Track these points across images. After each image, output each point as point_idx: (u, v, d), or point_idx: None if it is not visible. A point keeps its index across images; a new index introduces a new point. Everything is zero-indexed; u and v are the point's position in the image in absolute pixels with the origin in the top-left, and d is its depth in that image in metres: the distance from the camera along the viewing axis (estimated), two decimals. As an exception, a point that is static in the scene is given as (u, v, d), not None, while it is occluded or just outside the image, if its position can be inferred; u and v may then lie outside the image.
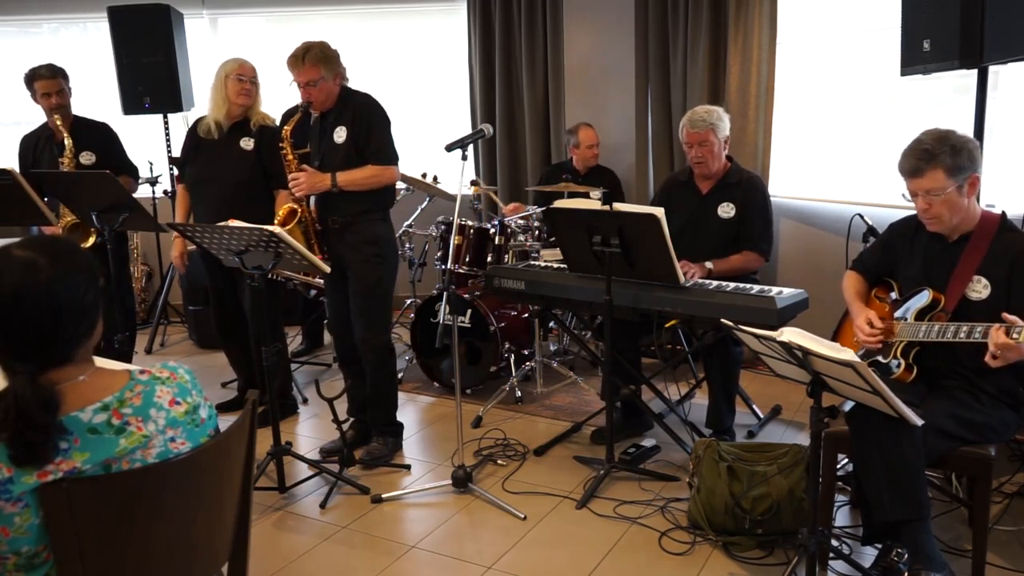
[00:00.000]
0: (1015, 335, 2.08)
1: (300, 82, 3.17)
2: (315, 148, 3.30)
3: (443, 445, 3.61)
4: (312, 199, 3.34)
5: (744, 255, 3.52)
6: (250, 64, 3.70)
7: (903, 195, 2.46)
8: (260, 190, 3.67)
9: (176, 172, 5.52)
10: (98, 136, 4.15)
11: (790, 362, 2.15)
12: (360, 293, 3.31)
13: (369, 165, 3.23)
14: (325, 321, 4.63)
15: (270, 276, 3.36)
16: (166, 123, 5.54)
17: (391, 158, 3.29)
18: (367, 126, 3.22)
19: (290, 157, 3.25)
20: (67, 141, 3.98)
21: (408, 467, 3.39)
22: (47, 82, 3.97)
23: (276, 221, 3.37)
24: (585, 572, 2.58)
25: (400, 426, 3.59)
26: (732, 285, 3.10)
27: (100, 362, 1.46)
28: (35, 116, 4.16)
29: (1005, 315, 2.12)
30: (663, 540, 2.74)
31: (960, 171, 2.32)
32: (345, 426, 3.30)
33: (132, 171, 4.27)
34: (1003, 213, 2.44)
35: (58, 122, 3.97)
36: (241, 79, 3.64)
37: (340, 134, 3.24)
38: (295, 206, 3.30)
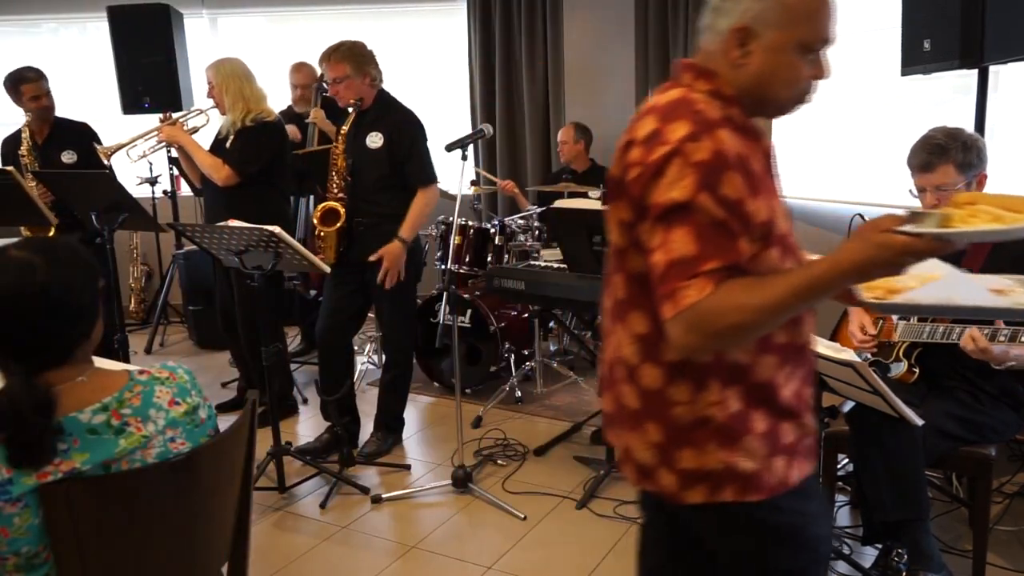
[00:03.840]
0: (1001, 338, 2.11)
1: (328, 78, 3.25)
2: (348, 146, 3.31)
3: (443, 445, 3.61)
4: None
5: None
6: (213, 66, 3.54)
7: (910, 191, 2.44)
8: (236, 192, 3.55)
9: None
10: (78, 135, 4.21)
11: (790, 362, 2.14)
12: (385, 295, 3.33)
13: (416, 198, 3.27)
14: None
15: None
16: (166, 123, 5.54)
17: (432, 178, 3.33)
18: (409, 145, 3.26)
19: (339, 163, 3.28)
20: (24, 136, 4.00)
21: (408, 467, 3.39)
22: (35, 85, 4.01)
23: (314, 219, 3.38)
24: (585, 572, 2.58)
25: (403, 423, 3.61)
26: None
27: (99, 362, 1.45)
28: (16, 117, 4.17)
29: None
30: (663, 540, 2.74)
31: (970, 168, 2.32)
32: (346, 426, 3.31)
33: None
34: (1005, 214, 2.44)
35: (31, 124, 4.01)
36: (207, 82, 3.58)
37: (375, 140, 3.26)
38: (335, 205, 3.30)
